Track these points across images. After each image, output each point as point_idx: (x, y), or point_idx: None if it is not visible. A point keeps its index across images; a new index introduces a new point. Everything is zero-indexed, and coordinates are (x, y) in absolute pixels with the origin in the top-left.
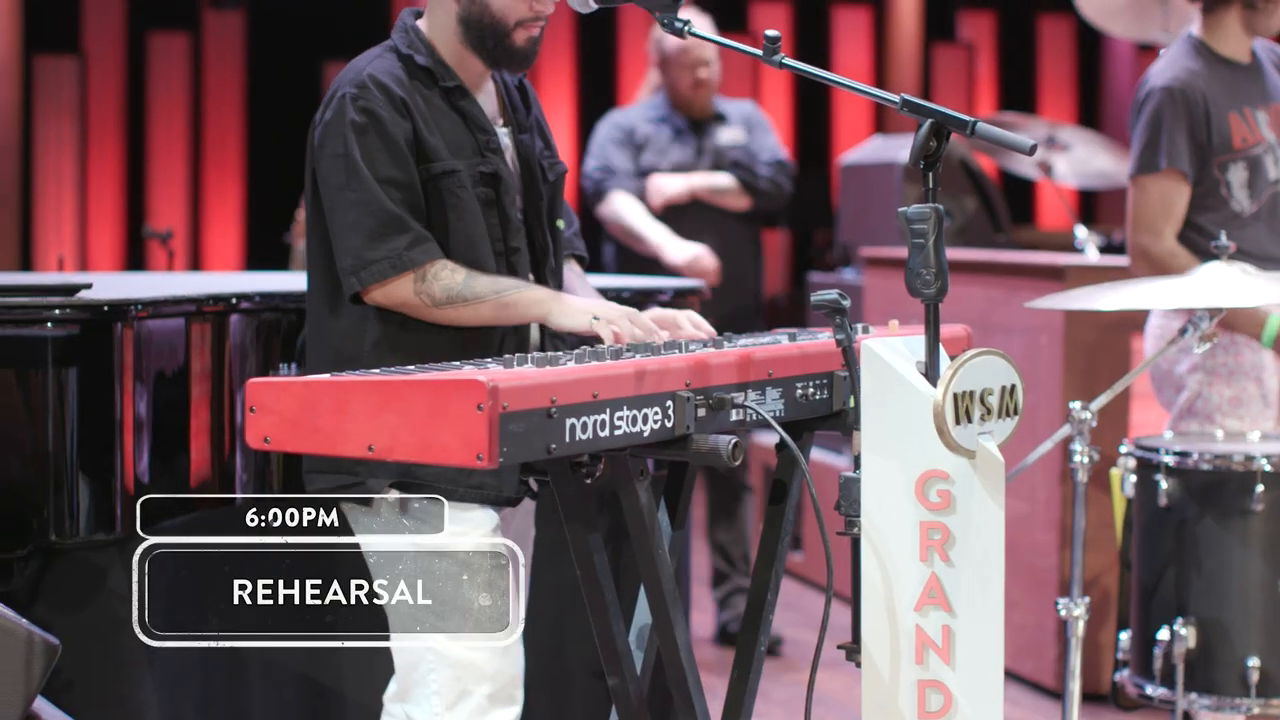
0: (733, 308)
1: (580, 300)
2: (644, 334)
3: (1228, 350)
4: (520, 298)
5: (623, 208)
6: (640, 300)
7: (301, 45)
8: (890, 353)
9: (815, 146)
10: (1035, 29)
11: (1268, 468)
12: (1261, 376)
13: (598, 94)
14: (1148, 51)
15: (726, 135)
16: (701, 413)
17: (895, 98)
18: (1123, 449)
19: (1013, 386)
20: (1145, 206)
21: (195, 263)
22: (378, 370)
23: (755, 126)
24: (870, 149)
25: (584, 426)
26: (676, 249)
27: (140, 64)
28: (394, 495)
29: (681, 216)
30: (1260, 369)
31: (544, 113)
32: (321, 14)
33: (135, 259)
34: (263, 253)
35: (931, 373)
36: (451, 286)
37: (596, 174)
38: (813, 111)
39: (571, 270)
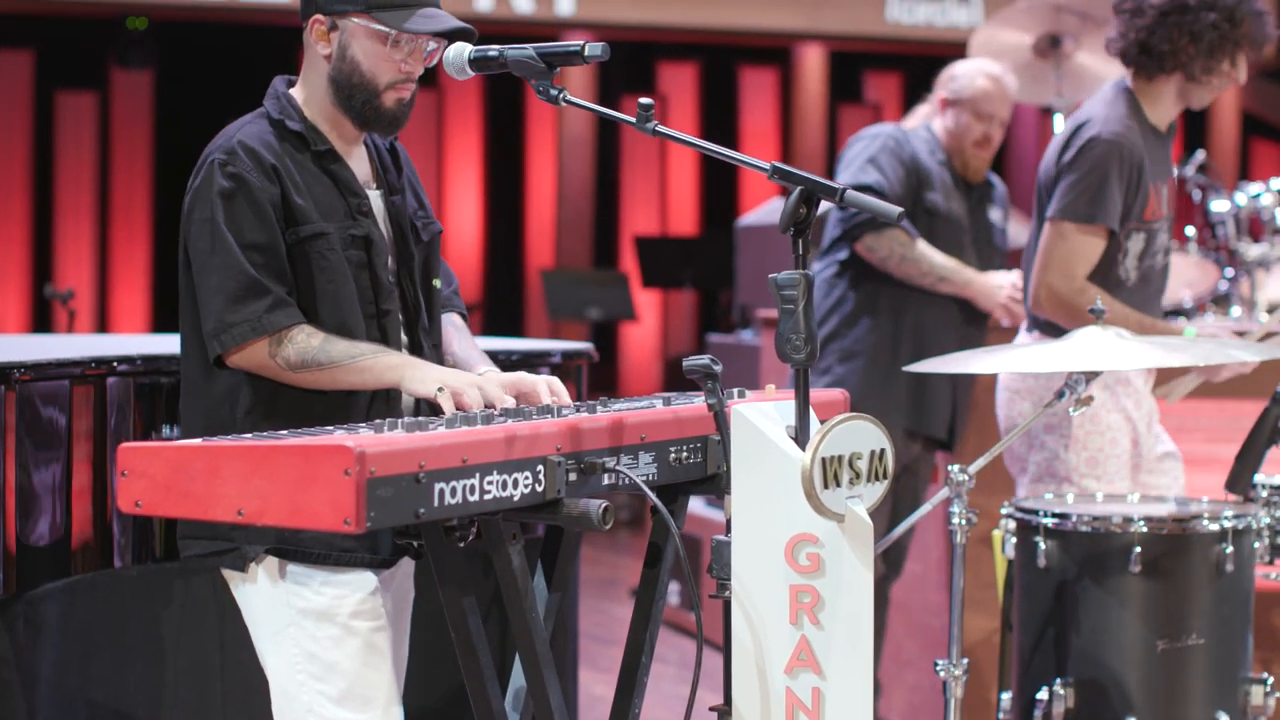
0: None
1: (434, 369)
2: (494, 402)
3: (1083, 412)
4: (375, 363)
5: (924, 245)
6: (529, 363)
7: (209, 104)
8: (760, 417)
9: (721, 207)
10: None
11: (1145, 529)
12: (1117, 437)
13: (504, 162)
14: (1050, 115)
15: (996, 214)
16: (573, 477)
17: (766, 165)
18: (1003, 510)
19: (882, 451)
20: (1064, 253)
21: (102, 323)
22: (249, 435)
23: (1008, 214)
24: (767, 211)
25: (453, 491)
26: (992, 281)
27: (48, 123)
28: (268, 560)
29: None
30: (1115, 430)
31: (418, 174)
32: (229, 73)
33: (42, 319)
34: (171, 312)
35: (801, 437)
36: (306, 350)
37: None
38: (718, 172)
39: (453, 325)
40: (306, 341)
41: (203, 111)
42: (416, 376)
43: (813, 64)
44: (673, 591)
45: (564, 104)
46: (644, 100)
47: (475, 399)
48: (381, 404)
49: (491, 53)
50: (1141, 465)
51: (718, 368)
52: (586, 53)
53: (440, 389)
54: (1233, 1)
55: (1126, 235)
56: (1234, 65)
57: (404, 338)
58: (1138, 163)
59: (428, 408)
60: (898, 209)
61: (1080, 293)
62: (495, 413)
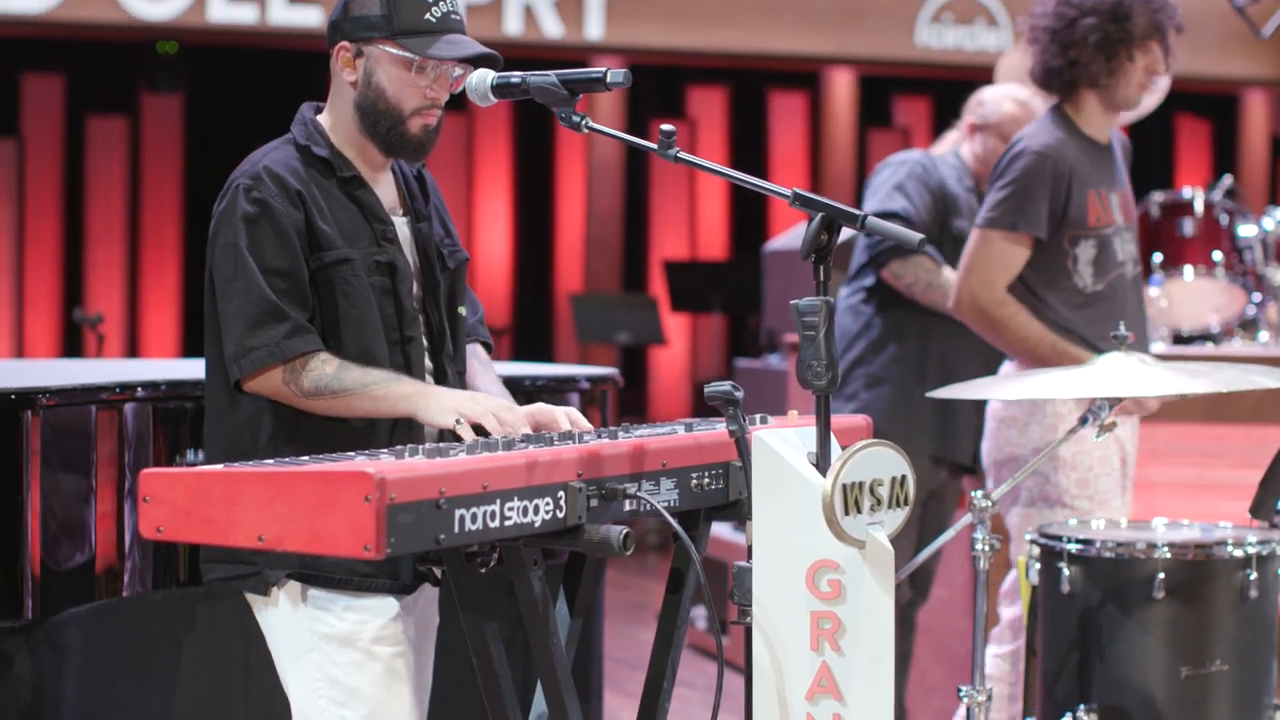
0: None
1: (450, 397)
2: (511, 430)
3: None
4: (389, 391)
5: (950, 272)
6: (556, 389)
7: (239, 129)
8: (781, 443)
9: (750, 232)
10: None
11: (1169, 555)
12: (1106, 456)
13: (533, 187)
14: None
15: None
16: (594, 503)
17: (787, 191)
18: (1028, 537)
19: (903, 477)
20: (985, 258)
21: (132, 347)
22: (270, 461)
23: None
24: (795, 235)
25: (473, 517)
26: None
27: (79, 147)
28: (290, 585)
29: None
30: (1104, 448)
31: (445, 201)
32: (259, 98)
33: (73, 343)
34: (201, 337)
35: (822, 463)
36: (321, 378)
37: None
38: (747, 196)
39: (475, 358)
40: (321, 368)
41: (233, 135)
42: (432, 406)
43: (842, 88)
44: (699, 616)
45: (586, 130)
46: (665, 127)
47: (492, 425)
48: (404, 430)
49: (514, 79)
50: (1129, 488)
51: (739, 394)
52: (609, 79)
53: (458, 420)
54: (1113, 1)
55: (1072, 242)
56: (1133, 61)
57: (429, 364)
58: (1066, 171)
59: (451, 433)
60: (919, 235)
61: (999, 304)
62: (516, 439)
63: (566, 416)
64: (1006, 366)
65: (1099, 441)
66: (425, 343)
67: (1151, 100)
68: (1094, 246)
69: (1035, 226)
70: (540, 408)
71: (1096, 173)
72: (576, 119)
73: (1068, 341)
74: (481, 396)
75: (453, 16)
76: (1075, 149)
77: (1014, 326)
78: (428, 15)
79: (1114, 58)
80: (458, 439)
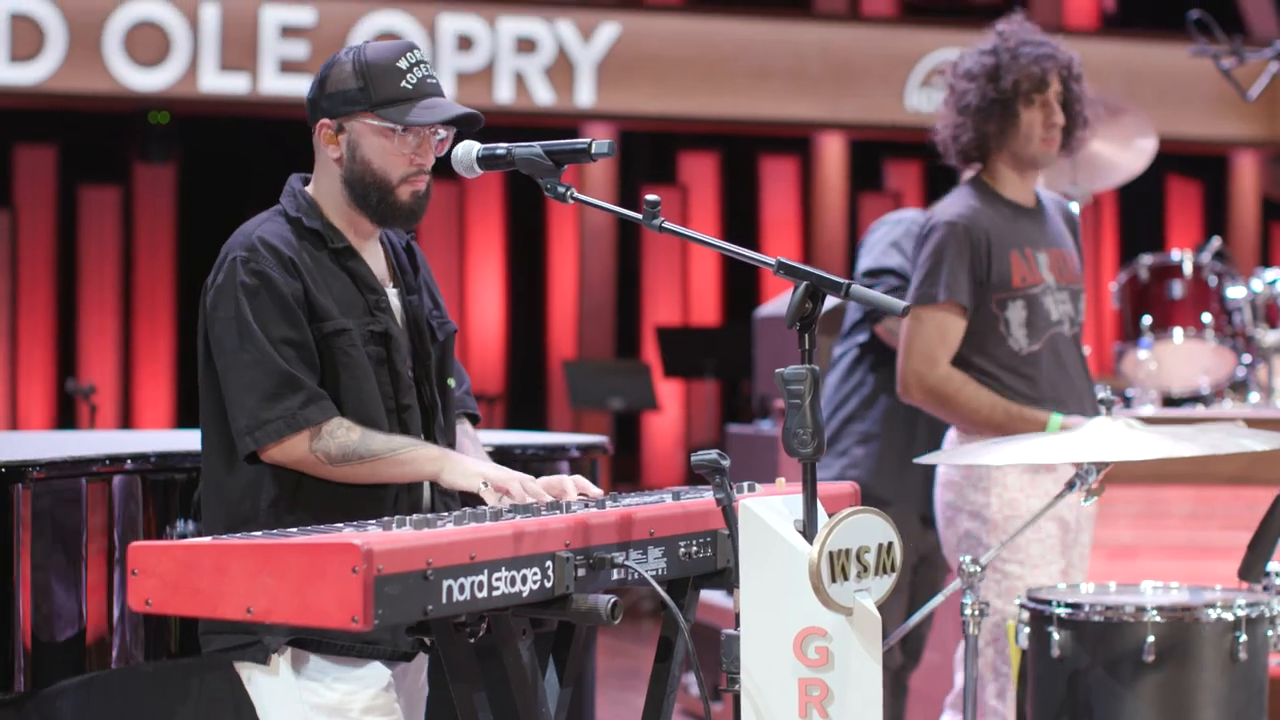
0: None
1: (473, 462)
2: (534, 499)
3: (1000, 495)
4: (415, 455)
5: None
6: (546, 457)
7: (231, 198)
8: (768, 511)
9: (742, 297)
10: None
11: (1159, 619)
12: (1039, 522)
13: (526, 253)
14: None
15: None
16: (581, 572)
17: (772, 261)
18: (1017, 601)
19: (890, 544)
20: (922, 336)
21: (125, 417)
22: (259, 533)
23: None
24: (786, 301)
25: (461, 588)
26: None
27: (71, 217)
28: (289, 653)
29: None
30: (1034, 513)
31: (433, 273)
32: (251, 167)
33: (66, 414)
34: (195, 406)
35: (809, 531)
36: (348, 445)
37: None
38: (740, 262)
39: (463, 431)
40: (346, 435)
41: (225, 205)
42: (457, 469)
43: (833, 153)
44: (691, 682)
45: (571, 201)
46: (650, 197)
47: (519, 492)
48: (405, 496)
49: (499, 150)
50: (1075, 546)
51: (725, 462)
52: (594, 150)
53: (484, 483)
54: (991, 61)
55: (1000, 306)
56: (1020, 117)
57: (421, 434)
58: (981, 236)
59: (442, 502)
60: (902, 303)
61: (946, 380)
62: (504, 509)
63: (574, 485)
64: (951, 435)
65: (1031, 507)
66: (419, 412)
67: (1140, 162)
68: (1023, 307)
69: (957, 294)
70: (549, 479)
71: (1020, 233)
72: (562, 190)
73: (1020, 405)
74: (503, 468)
75: (428, 81)
76: (991, 213)
77: (964, 399)
78: (403, 83)
79: (998, 118)
80: (463, 503)
